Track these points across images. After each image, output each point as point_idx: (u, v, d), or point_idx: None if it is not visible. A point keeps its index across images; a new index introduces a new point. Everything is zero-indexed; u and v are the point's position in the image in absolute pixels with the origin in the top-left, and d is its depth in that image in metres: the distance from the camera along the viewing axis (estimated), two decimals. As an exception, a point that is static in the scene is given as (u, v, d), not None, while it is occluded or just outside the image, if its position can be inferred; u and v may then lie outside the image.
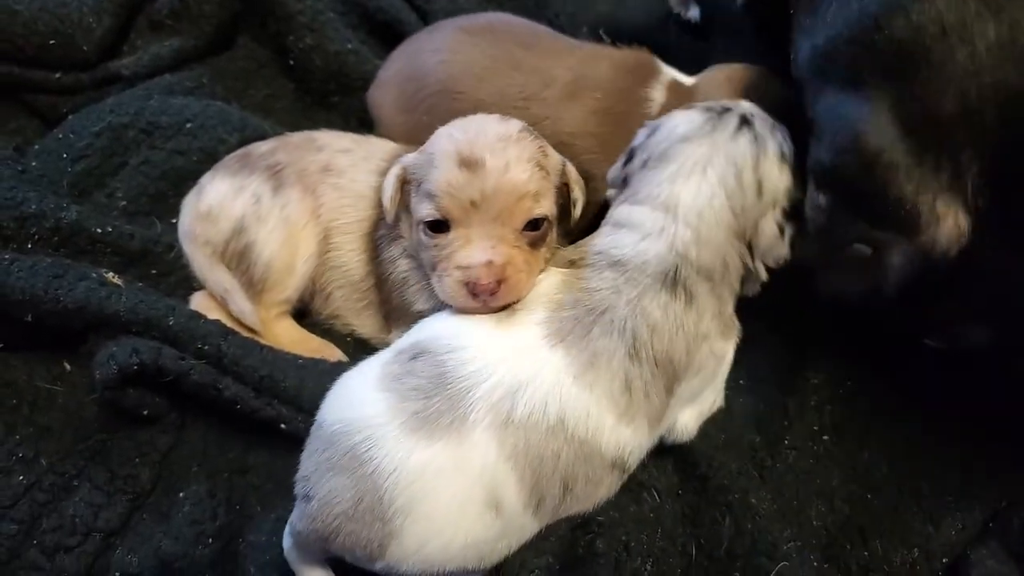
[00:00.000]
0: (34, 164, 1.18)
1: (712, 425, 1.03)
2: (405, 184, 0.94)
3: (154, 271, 1.11)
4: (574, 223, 0.98)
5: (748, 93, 1.10)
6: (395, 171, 0.94)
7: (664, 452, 0.99)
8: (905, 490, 1.00)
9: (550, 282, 0.88)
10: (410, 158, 0.93)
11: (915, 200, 0.81)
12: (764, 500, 0.96)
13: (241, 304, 1.03)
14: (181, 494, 0.94)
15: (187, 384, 0.94)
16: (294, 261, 1.04)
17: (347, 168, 1.08)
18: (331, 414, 0.80)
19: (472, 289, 0.83)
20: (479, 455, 0.75)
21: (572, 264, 0.90)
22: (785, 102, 1.11)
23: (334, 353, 1.06)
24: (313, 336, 1.09)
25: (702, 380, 0.90)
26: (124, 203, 1.19)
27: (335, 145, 1.11)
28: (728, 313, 0.92)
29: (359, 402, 0.78)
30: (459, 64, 1.17)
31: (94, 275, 0.98)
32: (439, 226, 0.88)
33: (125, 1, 1.34)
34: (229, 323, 1.03)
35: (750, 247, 0.89)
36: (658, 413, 0.86)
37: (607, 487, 0.85)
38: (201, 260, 1.06)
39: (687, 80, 1.18)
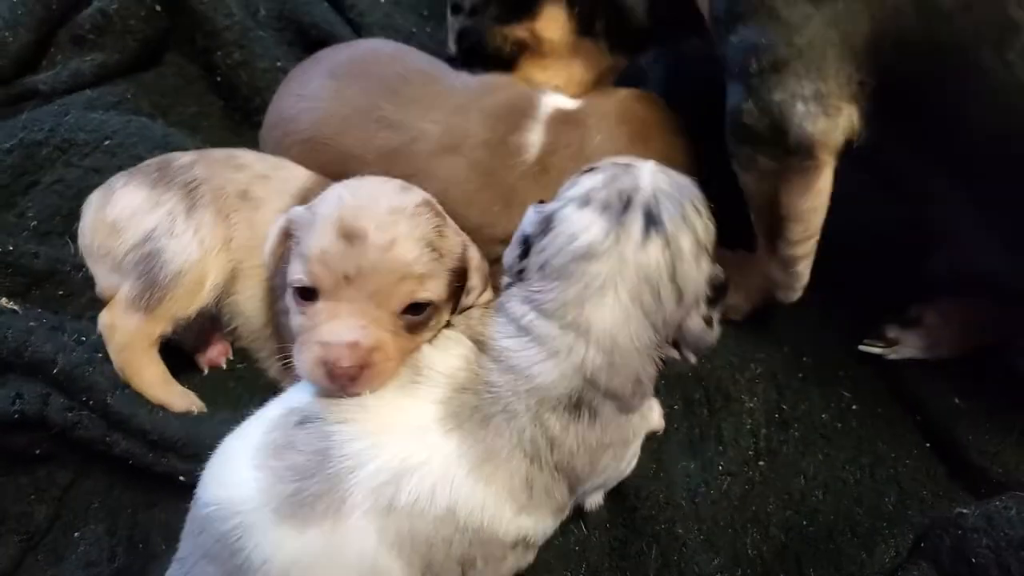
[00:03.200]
0: (-61, 182, 1.13)
1: (643, 453, 1.00)
2: (289, 238, 0.85)
3: (61, 292, 1.06)
4: (463, 309, 0.88)
5: (634, 117, 1.10)
6: (280, 223, 0.86)
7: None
8: (840, 516, 0.98)
9: (456, 354, 0.81)
10: (297, 211, 0.85)
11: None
12: (691, 530, 0.93)
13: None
14: (76, 534, 0.89)
15: (74, 438, 0.89)
16: (204, 281, 0.96)
17: (263, 200, 1.01)
18: (207, 491, 0.74)
19: (330, 370, 0.75)
20: (356, 542, 0.69)
21: (478, 343, 0.81)
22: (672, 124, 1.11)
23: (194, 404, 0.96)
24: (174, 383, 0.97)
25: (606, 476, 0.86)
26: (35, 223, 1.13)
27: (256, 167, 1.04)
28: (635, 418, 0.84)
29: (233, 481, 0.72)
30: (323, 112, 1.11)
31: (-18, 302, 0.93)
32: (309, 294, 0.79)
33: (44, 15, 1.30)
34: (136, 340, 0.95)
35: (676, 344, 0.81)
36: (562, 506, 0.81)
37: (514, 560, 0.79)
38: (99, 273, 0.98)
39: (571, 104, 1.13)
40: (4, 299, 0.94)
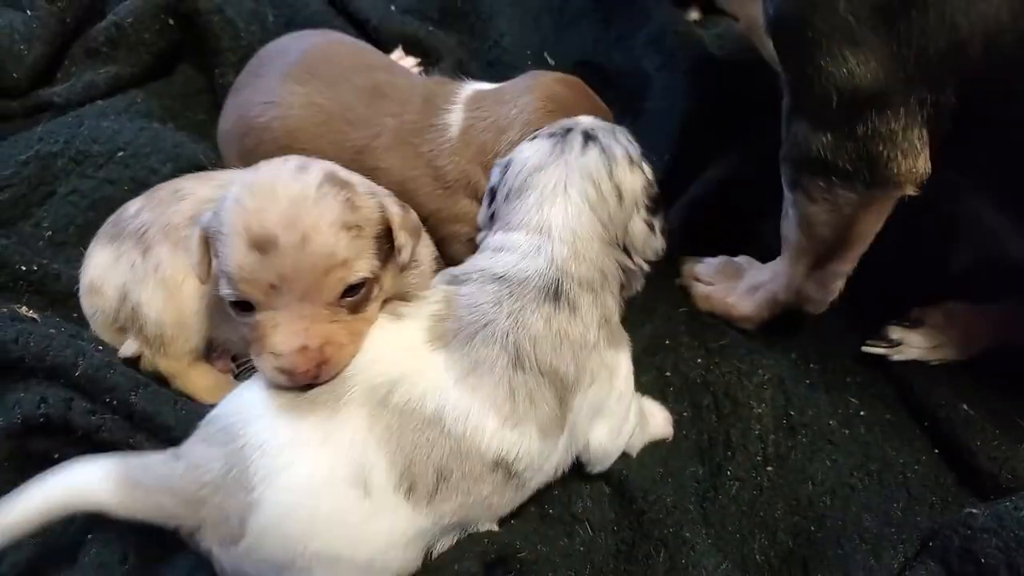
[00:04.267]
0: (-42, 194, 1.15)
1: (651, 457, 1.00)
2: (210, 244, 0.83)
3: (76, 315, 1.06)
4: (403, 268, 0.87)
5: (552, 95, 1.09)
6: (196, 234, 0.83)
7: (602, 485, 0.97)
8: (848, 522, 0.98)
9: (434, 298, 0.87)
10: (207, 218, 0.82)
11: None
12: (699, 535, 0.93)
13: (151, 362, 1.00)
14: (89, 535, 0.89)
15: (97, 440, 0.90)
16: (183, 317, 0.98)
17: None
18: (214, 410, 0.81)
19: (291, 377, 0.76)
20: (349, 430, 0.75)
21: (455, 280, 0.90)
22: (594, 107, 1.12)
23: None
24: (230, 381, 1.01)
25: (598, 390, 0.88)
26: (50, 233, 1.16)
27: (200, 193, 1.03)
28: (615, 322, 0.93)
29: (239, 394, 0.80)
30: (294, 119, 1.12)
31: (4, 310, 0.94)
32: (245, 306, 0.79)
33: (59, 28, 1.33)
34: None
35: (626, 250, 0.92)
36: (552, 422, 0.84)
37: (492, 486, 0.82)
38: (100, 331, 1.02)
39: (489, 87, 1.16)
40: (24, 308, 0.96)
